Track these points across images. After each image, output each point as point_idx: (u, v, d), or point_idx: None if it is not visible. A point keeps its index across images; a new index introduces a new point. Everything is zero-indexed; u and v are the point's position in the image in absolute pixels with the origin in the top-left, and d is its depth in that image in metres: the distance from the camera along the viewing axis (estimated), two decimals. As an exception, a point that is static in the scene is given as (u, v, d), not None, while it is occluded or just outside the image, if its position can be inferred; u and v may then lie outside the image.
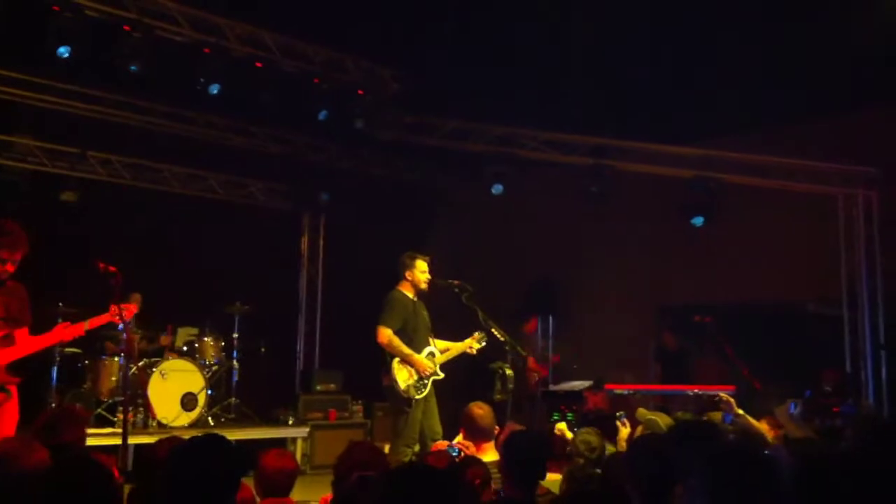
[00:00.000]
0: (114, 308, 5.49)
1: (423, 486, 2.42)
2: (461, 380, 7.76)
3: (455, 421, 6.77)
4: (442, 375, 7.09)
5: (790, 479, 2.73)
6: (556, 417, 8.65)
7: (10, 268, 5.23)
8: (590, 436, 4.87)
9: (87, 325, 5.54)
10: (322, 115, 8.83)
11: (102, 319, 5.56)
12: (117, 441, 6.24)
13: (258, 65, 8.29)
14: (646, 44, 8.47)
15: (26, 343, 5.33)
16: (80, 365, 9.06)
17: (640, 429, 5.68)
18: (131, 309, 5.64)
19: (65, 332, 5.50)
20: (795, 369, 8.83)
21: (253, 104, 8.65)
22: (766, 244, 9.66)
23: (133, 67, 7.38)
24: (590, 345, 10.47)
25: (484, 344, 7.28)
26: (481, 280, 9.37)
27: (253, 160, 10.71)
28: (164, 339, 9.57)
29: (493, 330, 7.23)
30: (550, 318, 10.83)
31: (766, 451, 4.10)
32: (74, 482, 2.83)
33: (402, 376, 6.86)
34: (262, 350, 10.32)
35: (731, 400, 5.97)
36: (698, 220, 9.23)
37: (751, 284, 9.73)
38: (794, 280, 9.50)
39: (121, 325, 6.05)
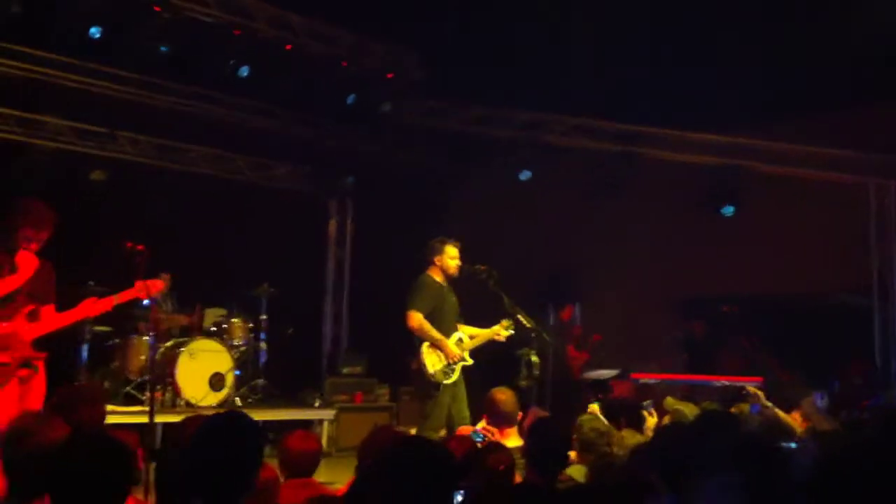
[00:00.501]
0: (139, 283, 5.50)
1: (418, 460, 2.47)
2: (487, 366, 7.74)
3: (481, 407, 6.78)
4: (471, 361, 7.05)
5: (815, 472, 2.69)
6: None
7: (34, 246, 5.24)
8: (594, 421, 4.84)
9: (115, 300, 5.56)
10: (350, 100, 8.82)
11: (129, 295, 5.58)
12: (145, 419, 6.28)
13: (287, 47, 8.26)
14: (674, 31, 8.35)
15: (52, 319, 5.36)
16: (109, 343, 9.14)
17: (666, 418, 5.64)
18: (157, 285, 5.66)
19: (92, 307, 5.52)
20: (823, 360, 8.73)
21: (280, 87, 8.64)
22: (794, 234, 9.53)
23: (163, 48, 7.40)
24: (614, 334, 10.41)
25: (512, 331, 7.24)
26: (504, 266, 9.36)
27: (280, 143, 10.70)
28: (192, 319, 9.62)
29: (519, 316, 7.18)
30: (577, 305, 10.80)
31: (794, 444, 4.05)
32: (88, 458, 2.83)
33: (432, 361, 6.84)
34: (290, 332, 10.36)
35: (759, 392, 5.91)
36: (728, 210, 9.13)
37: (778, 274, 9.62)
38: (822, 270, 9.38)
39: (146, 301, 6.04)
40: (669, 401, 5.89)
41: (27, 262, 5.24)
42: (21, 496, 3.17)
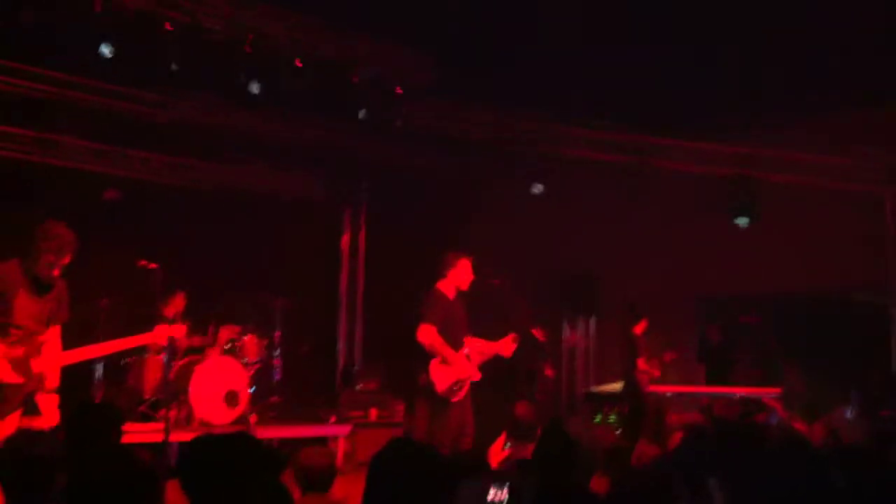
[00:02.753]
0: (161, 328, 5.49)
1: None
2: (501, 380, 7.70)
3: (493, 420, 6.72)
4: (479, 377, 7.00)
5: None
6: (598, 419, 8.57)
7: (56, 272, 5.20)
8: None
9: (137, 341, 5.55)
10: (362, 114, 8.81)
11: (149, 339, 5.56)
12: (160, 438, 6.26)
13: (297, 62, 8.25)
14: (687, 41, 8.31)
15: (82, 351, 5.35)
16: (123, 362, 9.15)
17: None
18: (180, 329, 5.65)
19: (117, 344, 5.52)
20: (840, 364, 8.64)
21: (292, 97, 8.63)
22: (810, 236, 9.46)
23: (173, 66, 7.43)
24: (631, 347, 10.31)
25: (518, 345, 7.18)
26: (521, 275, 9.30)
27: (293, 155, 10.71)
28: (207, 336, 9.62)
29: (532, 331, 7.13)
30: (593, 318, 10.72)
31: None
32: (111, 477, 2.81)
33: (441, 377, 6.79)
34: (304, 348, 10.34)
35: (777, 405, 5.84)
36: (743, 221, 9.08)
37: (794, 278, 9.55)
38: (838, 273, 9.30)
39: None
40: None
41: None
42: None
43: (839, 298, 9.62)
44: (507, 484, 3.61)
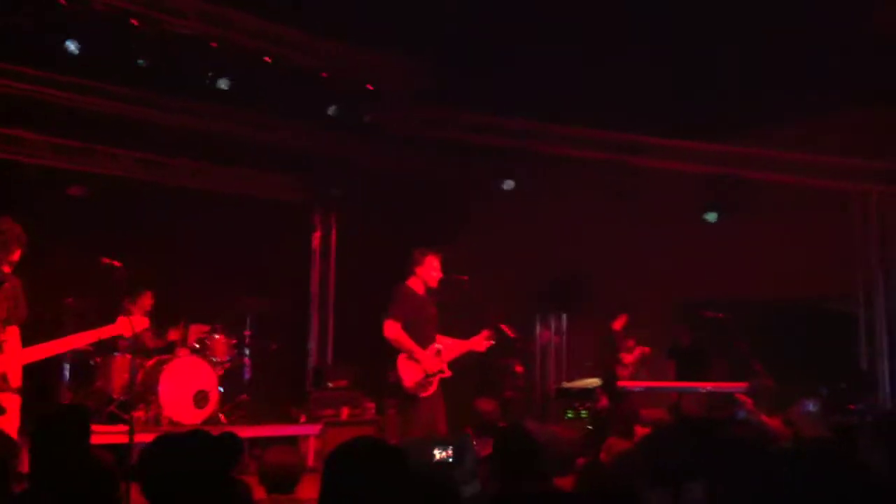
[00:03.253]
0: (123, 320, 5.41)
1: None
2: (471, 377, 7.70)
3: (461, 418, 6.71)
4: (449, 373, 6.99)
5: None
6: (570, 415, 8.59)
7: (6, 269, 5.06)
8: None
9: (96, 335, 5.45)
10: (332, 111, 8.78)
11: (111, 331, 5.47)
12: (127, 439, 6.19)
13: (266, 59, 8.21)
14: (667, 40, 8.33)
15: (35, 350, 5.24)
16: (92, 362, 9.06)
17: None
18: (143, 322, 5.57)
19: (73, 341, 5.42)
20: (811, 365, 8.73)
21: (261, 97, 8.59)
22: (787, 240, 9.52)
23: (140, 61, 7.36)
24: (602, 344, 10.34)
25: (492, 342, 7.20)
26: (498, 276, 9.30)
27: (264, 154, 10.64)
28: (175, 335, 9.54)
29: (502, 327, 7.15)
30: (564, 315, 10.75)
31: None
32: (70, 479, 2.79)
33: (409, 372, 6.78)
34: (274, 347, 10.30)
35: (746, 399, 5.89)
36: (711, 217, 9.16)
37: (770, 281, 9.62)
38: (813, 277, 9.38)
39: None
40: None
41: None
42: None
43: (810, 302, 9.72)
44: (451, 447, 3.66)
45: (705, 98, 8.81)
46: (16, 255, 5.10)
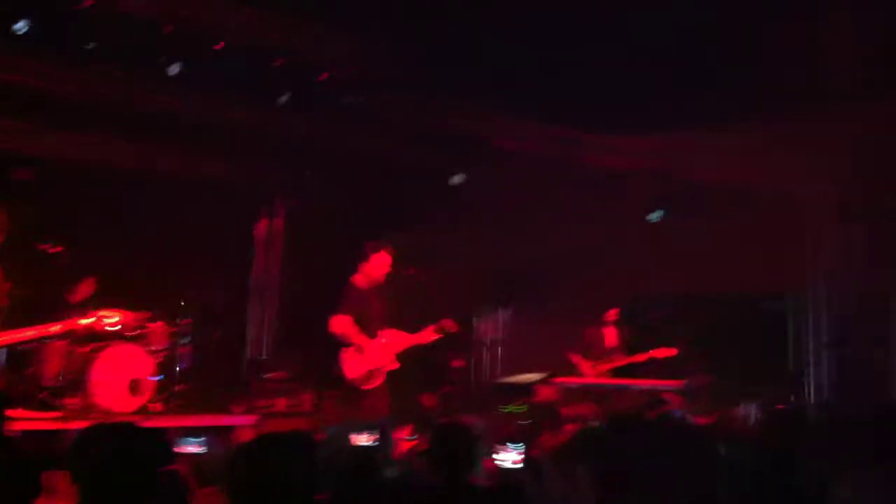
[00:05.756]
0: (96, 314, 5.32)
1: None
2: (414, 371, 7.75)
3: (406, 411, 6.75)
4: (395, 366, 7.05)
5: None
6: (509, 409, 8.69)
7: None
8: None
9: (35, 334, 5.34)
10: (282, 99, 8.70)
11: (81, 325, 5.37)
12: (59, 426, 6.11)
13: (220, 45, 8.08)
14: (610, 36, 8.39)
15: None
16: (25, 347, 8.84)
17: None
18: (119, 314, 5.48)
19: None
20: (749, 365, 8.94)
21: (212, 78, 8.46)
22: (725, 238, 9.70)
23: (89, 43, 7.22)
24: (549, 337, 10.45)
25: (439, 336, 7.27)
26: (447, 270, 9.33)
27: (211, 137, 10.39)
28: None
29: (446, 321, 7.22)
30: (504, 311, 10.83)
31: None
32: None
33: (353, 365, 6.82)
34: (214, 336, 10.19)
35: (677, 396, 6.03)
36: (657, 215, 9.30)
37: (711, 279, 9.79)
38: (753, 275, 9.58)
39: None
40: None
41: None
42: None
43: (749, 301, 9.93)
44: (373, 431, 3.72)
45: (652, 96, 8.91)
46: None
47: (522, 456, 4.69)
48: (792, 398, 8.20)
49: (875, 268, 9.03)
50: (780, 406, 7.59)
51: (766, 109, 8.96)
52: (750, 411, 6.25)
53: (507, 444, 4.70)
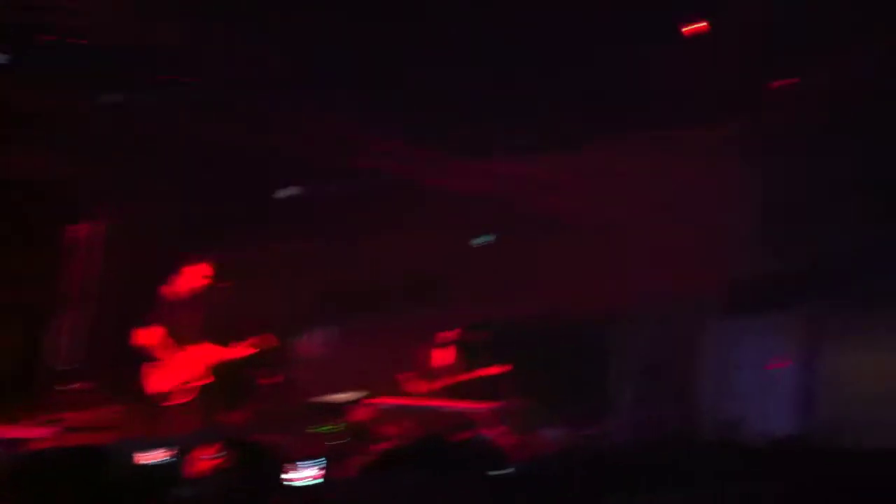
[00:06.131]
0: None
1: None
2: (225, 388, 7.56)
3: (213, 428, 6.52)
4: (207, 380, 6.88)
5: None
6: (323, 429, 8.60)
7: None
8: None
9: None
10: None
11: None
12: None
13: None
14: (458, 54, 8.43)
15: None
16: None
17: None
18: None
19: None
20: (564, 388, 9.20)
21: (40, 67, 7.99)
22: (553, 263, 9.96)
23: None
24: (378, 357, 10.39)
25: (254, 351, 7.16)
26: (272, 284, 9.11)
27: (28, 130, 9.74)
28: None
29: (263, 337, 7.12)
30: (330, 329, 10.73)
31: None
32: None
33: (158, 380, 6.60)
34: (14, 342, 9.61)
35: (486, 418, 6.13)
36: (483, 239, 9.48)
37: (535, 303, 10.01)
38: (575, 301, 9.85)
39: None
40: None
41: None
42: None
43: (570, 326, 10.23)
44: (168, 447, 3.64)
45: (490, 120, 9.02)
46: None
47: (324, 471, 4.66)
48: (598, 422, 8.52)
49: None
50: (588, 430, 7.88)
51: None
52: (556, 434, 6.44)
53: (307, 461, 4.64)
